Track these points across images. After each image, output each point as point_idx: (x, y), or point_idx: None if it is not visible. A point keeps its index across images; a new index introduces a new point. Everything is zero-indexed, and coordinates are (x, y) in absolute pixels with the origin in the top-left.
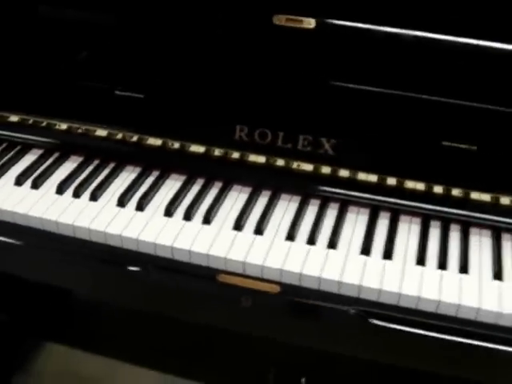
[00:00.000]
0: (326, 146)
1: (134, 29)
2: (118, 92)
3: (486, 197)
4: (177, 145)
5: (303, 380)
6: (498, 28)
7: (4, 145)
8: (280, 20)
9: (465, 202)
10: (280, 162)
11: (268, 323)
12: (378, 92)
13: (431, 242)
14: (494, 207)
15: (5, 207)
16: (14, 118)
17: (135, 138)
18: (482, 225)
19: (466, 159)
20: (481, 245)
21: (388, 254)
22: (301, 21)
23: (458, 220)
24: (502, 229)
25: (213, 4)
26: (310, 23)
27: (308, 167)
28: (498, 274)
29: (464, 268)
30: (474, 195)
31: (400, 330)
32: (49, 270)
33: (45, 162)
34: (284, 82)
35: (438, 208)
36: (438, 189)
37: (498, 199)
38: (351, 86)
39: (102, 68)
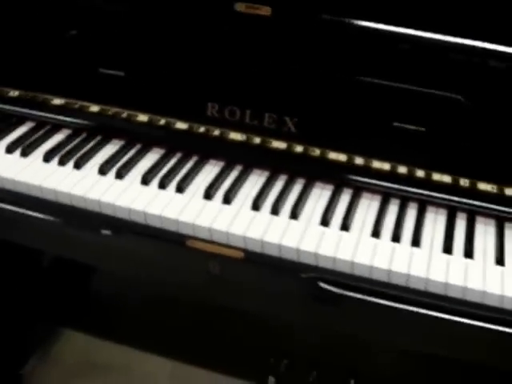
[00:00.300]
0: (289, 124)
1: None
2: (102, 70)
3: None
4: (162, 121)
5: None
6: (440, 17)
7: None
8: (241, 7)
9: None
10: (249, 139)
11: (234, 289)
12: (333, 76)
13: (388, 217)
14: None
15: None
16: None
17: (125, 115)
18: (437, 204)
19: (413, 139)
20: (436, 220)
21: (345, 226)
22: (259, 8)
23: (412, 198)
24: (458, 208)
25: None
26: (267, 11)
27: (275, 144)
28: (447, 248)
29: (416, 242)
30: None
31: (348, 297)
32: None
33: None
34: (249, 63)
35: (396, 186)
36: (386, 166)
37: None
38: (309, 69)
39: (90, 48)
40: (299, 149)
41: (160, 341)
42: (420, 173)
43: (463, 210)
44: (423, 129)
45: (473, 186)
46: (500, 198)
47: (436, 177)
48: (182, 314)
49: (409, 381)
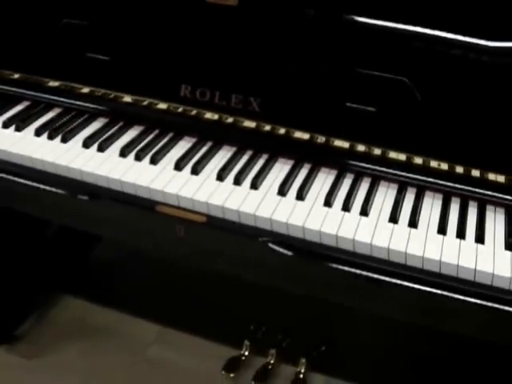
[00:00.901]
0: (254, 104)
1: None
2: (89, 54)
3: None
4: (145, 102)
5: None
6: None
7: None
8: None
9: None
10: (219, 117)
11: (198, 250)
12: (291, 60)
13: (342, 190)
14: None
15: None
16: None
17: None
18: (388, 178)
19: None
20: (386, 193)
21: (300, 197)
22: None
23: (367, 173)
24: (408, 183)
25: None
26: (234, 1)
27: (241, 122)
28: (393, 218)
29: (364, 211)
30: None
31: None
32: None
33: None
34: (218, 49)
35: (353, 162)
36: (342, 143)
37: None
38: (269, 54)
39: (79, 35)
40: (265, 127)
41: (148, 306)
42: (377, 151)
43: (412, 185)
44: (373, 109)
45: (424, 163)
46: (450, 175)
47: (392, 155)
48: (169, 282)
49: (383, 349)
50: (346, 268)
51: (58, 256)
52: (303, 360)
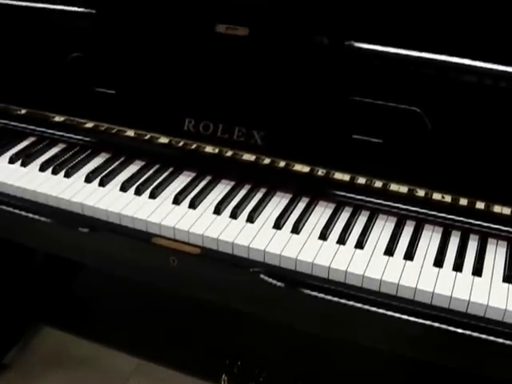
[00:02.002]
0: (256, 137)
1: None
2: (95, 88)
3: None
4: (147, 136)
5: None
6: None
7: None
8: (221, 28)
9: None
10: (220, 151)
11: (190, 281)
12: (296, 92)
13: (338, 224)
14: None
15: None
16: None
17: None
18: (388, 211)
19: (371, 151)
20: (384, 226)
21: (296, 230)
22: (237, 29)
23: (365, 207)
24: (407, 216)
25: (170, 15)
26: (245, 31)
27: (242, 155)
28: (388, 251)
29: (359, 244)
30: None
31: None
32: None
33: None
34: (223, 81)
35: (352, 195)
36: (343, 176)
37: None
38: (278, 87)
39: (85, 69)
40: (264, 160)
41: (128, 339)
42: (378, 183)
43: (412, 218)
44: (380, 140)
45: (426, 195)
46: (453, 208)
47: (394, 187)
48: (148, 316)
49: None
50: (336, 299)
51: (42, 286)
52: None
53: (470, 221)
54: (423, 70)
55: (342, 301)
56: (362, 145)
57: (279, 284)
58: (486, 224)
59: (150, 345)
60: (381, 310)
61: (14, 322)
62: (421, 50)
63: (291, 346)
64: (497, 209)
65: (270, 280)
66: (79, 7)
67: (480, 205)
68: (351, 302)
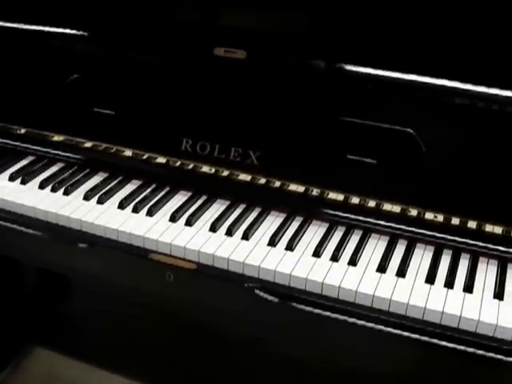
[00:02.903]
0: (253, 157)
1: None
2: (96, 109)
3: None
4: (145, 156)
5: None
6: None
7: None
8: (219, 51)
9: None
10: (213, 170)
11: (185, 296)
12: (292, 114)
13: (331, 242)
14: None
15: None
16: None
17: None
18: (380, 231)
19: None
20: (377, 244)
21: (290, 247)
22: (235, 52)
23: (359, 226)
24: (396, 235)
25: (169, 38)
26: (242, 54)
27: (238, 175)
28: (381, 268)
29: (352, 261)
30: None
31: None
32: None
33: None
34: (221, 102)
35: (346, 215)
36: (337, 196)
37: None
38: (274, 109)
39: (84, 91)
40: (260, 180)
41: (117, 360)
42: (371, 203)
43: (404, 238)
44: (374, 161)
45: (419, 214)
46: (445, 227)
47: (387, 207)
48: (137, 337)
49: None
50: (328, 313)
51: (34, 308)
52: None
53: (462, 239)
54: (416, 92)
55: (335, 315)
56: (357, 165)
57: (273, 299)
58: (477, 243)
59: (140, 366)
60: (371, 324)
61: (7, 343)
62: (413, 73)
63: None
64: (488, 228)
65: (265, 295)
66: (78, 30)
67: (472, 224)
68: (344, 317)
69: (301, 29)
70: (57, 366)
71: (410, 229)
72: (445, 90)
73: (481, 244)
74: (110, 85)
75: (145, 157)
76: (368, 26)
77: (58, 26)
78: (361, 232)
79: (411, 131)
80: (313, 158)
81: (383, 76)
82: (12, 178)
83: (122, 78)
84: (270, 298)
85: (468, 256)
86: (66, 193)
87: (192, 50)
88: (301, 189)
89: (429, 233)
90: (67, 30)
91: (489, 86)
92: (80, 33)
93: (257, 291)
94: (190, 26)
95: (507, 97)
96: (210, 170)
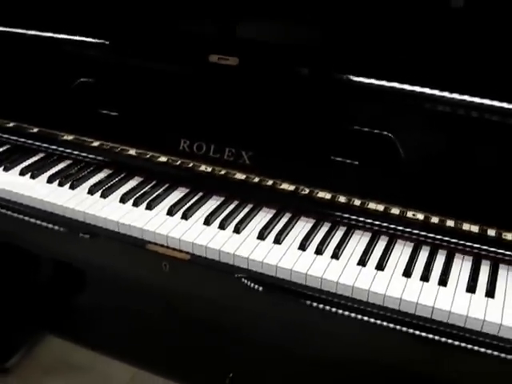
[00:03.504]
0: (245, 157)
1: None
2: (101, 110)
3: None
4: (148, 155)
5: None
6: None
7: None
8: (214, 58)
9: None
10: (210, 169)
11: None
12: (281, 117)
13: (317, 236)
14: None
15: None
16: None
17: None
18: (363, 227)
19: (348, 171)
20: (360, 240)
21: (277, 241)
22: (228, 59)
23: (343, 223)
24: (378, 231)
25: (168, 46)
26: (235, 61)
27: (234, 175)
28: (361, 261)
29: (335, 255)
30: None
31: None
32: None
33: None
34: (216, 106)
35: (332, 212)
36: (325, 195)
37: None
38: (265, 112)
39: (91, 93)
40: (253, 179)
41: (125, 349)
42: (357, 202)
43: (385, 234)
44: (356, 162)
45: (403, 213)
46: (422, 224)
47: (371, 205)
48: (146, 327)
49: None
50: (309, 302)
51: (47, 297)
52: None
53: (439, 237)
54: (395, 99)
55: (315, 304)
56: (340, 166)
57: (259, 288)
58: (453, 240)
59: (147, 355)
60: (353, 315)
61: (18, 328)
62: (394, 81)
63: (290, 370)
64: (465, 226)
65: (252, 284)
66: (86, 37)
67: (450, 222)
68: (327, 307)
69: (288, 38)
70: (67, 354)
71: (392, 226)
72: (423, 97)
73: (457, 241)
74: (114, 88)
75: (147, 156)
76: (350, 34)
77: (67, 33)
78: (345, 228)
79: (390, 135)
80: (299, 158)
81: (365, 83)
82: (22, 173)
83: (126, 82)
84: (257, 287)
85: (445, 252)
86: (72, 187)
87: (188, 57)
88: (290, 187)
89: (408, 230)
90: (76, 37)
91: (464, 93)
92: (88, 40)
93: (244, 280)
94: (187, 35)
95: (479, 103)
96: (206, 168)
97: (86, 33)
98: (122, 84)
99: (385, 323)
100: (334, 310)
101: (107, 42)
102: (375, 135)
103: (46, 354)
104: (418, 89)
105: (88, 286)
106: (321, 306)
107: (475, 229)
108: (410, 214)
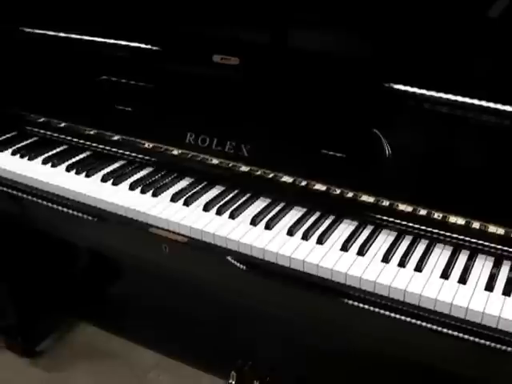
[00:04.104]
0: (244, 149)
1: None
2: (116, 106)
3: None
4: (163, 148)
5: None
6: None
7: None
8: (217, 58)
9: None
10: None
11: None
12: (279, 113)
13: (306, 223)
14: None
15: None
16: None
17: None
18: (349, 216)
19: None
20: (346, 228)
21: (268, 227)
22: (230, 59)
23: (333, 211)
24: (364, 221)
25: (175, 48)
26: (236, 60)
27: (235, 166)
28: (343, 247)
29: (319, 241)
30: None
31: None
32: None
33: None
34: (217, 102)
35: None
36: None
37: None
38: (263, 109)
39: (110, 90)
40: (255, 171)
41: (152, 337)
42: (350, 194)
43: (370, 223)
44: (344, 155)
45: (391, 206)
46: (409, 216)
47: (364, 198)
48: (172, 319)
49: None
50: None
51: (80, 286)
52: None
53: (422, 227)
54: (380, 97)
55: (300, 288)
56: (329, 159)
57: (244, 268)
58: (435, 230)
59: (171, 343)
60: (331, 295)
61: (51, 314)
62: (379, 81)
63: (300, 349)
64: (452, 219)
65: (241, 266)
66: (104, 38)
67: (437, 215)
68: (309, 291)
69: (282, 40)
70: (96, 340)
71: (378, 216)
72: (407, 96)
73: (438, 232)
74: (128, 86)
75: (161, 149)
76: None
77: (91, 35)
78: (333, 217)
79: (376, 131)
80: (292, 151)
81: (353, 81)
82: (45, 162)
83: (138, 80)
84: (242, 266)
85: (426, 242)
86: (88, 175)
87: (194, 58)
88: (287, 178)
89: (392, 220)
90: (95, 38)
91: (448, 92)
92: (106, 41)
93: (232, 260)
94: (192, 36)
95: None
96: (210, 160)
97: (104, 34)
98: (135, 82)
99: (361, 305)
100: (317, 291)
101: (124, 44)
102: (362, 131)
103: (77, 339)
104: (405, 88)
105: (120, 277)
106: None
107: (462, 222)
108: (397, 205)
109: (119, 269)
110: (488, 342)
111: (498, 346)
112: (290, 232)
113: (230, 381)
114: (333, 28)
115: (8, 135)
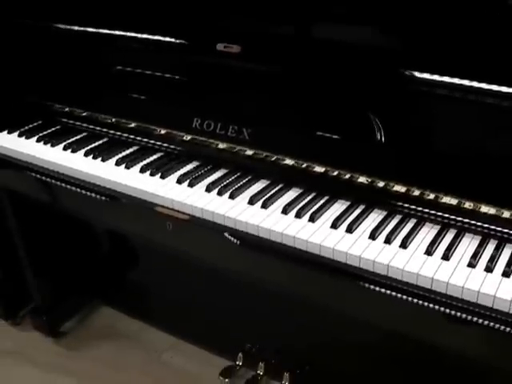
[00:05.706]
0: (245, 133)
1: None
2: (130, 94)
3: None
4: (172, 134)
5: None
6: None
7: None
8: (220, 47)
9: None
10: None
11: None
12: (277, 98)
13: (302, 201)
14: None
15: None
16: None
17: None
18: (344, 195)
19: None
20: (339, 207)
21: (264, 206)
22: (232, 47)
23: (328, 190)
24: (357, 200)
25: (181, 38)
26: (238, 49)
27: (237, 151)
28: (333, 225)
29: (311, 218)
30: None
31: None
32: None
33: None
34: (221, 88)
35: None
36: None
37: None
38: (263, 94)
39: (125, 79)
40: (258, 155)
41: (167, 320)
42: (347, 175)
43: (363, 202)
44: (339, 137)
45: (386, 186)
46: (403, 195)
47: (361, 179)
48: (186, 303)
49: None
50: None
51: (102, 270)
52: (287, 374)
53: (412, 207)
54: (374, 80)
55: (291, 264)
56: (325, 140)
57: (236, 241)
58: (425, 210)
59: (185, 326)
60: (320, 272)
61: (75, 297)
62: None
63: (305, 337)
64: (445, 199)
65: (232, 239)
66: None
67: (429, 195)
68: (302, 267)
69: (280, 29)
70: (116, 321)
71: (370, 196)
72: (400, 80)
73: (427, 211)
74: (141, 75)
75: (171, 134)
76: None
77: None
78: (328, 196)
79: (369, 114)
80: (289, 134)
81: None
82: (65, 148)
83: (150, 69)
84: (236, 241)
85: (414, 221)
86: (103, 160)
87: (199, 46)
88: (288, 161)
89: (386, 200)
90: (112, 31)
91: (439, 73)
92: (122, 33)
93: (228, 236)
94: (198, 26)
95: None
96: (216, 145)
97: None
98: (147, 71)
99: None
100: (308, 267)
101: (137, 36)
102: (356, 114)
103: (98, 321)
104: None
105: (140, 264)
106: (295, 266)
107: (454, 202)
108: (391, 187)
109: (139, 255)
110: (464, 315)
111: (475, 318)
112: (285, 211)
113: (238, 362)
114: (332, 18)
115: (35, 123)
